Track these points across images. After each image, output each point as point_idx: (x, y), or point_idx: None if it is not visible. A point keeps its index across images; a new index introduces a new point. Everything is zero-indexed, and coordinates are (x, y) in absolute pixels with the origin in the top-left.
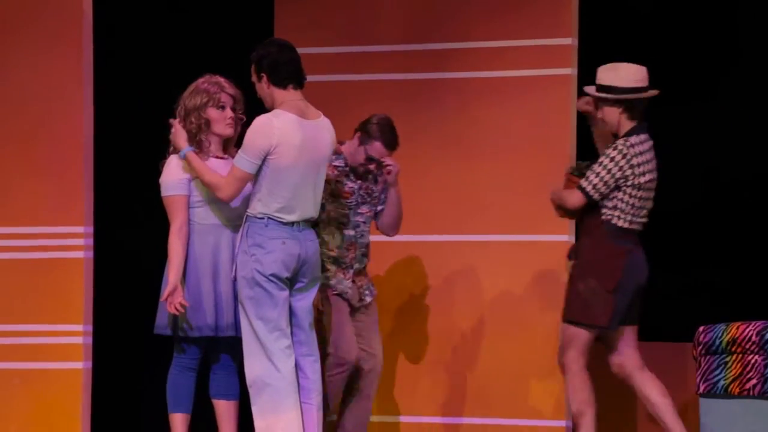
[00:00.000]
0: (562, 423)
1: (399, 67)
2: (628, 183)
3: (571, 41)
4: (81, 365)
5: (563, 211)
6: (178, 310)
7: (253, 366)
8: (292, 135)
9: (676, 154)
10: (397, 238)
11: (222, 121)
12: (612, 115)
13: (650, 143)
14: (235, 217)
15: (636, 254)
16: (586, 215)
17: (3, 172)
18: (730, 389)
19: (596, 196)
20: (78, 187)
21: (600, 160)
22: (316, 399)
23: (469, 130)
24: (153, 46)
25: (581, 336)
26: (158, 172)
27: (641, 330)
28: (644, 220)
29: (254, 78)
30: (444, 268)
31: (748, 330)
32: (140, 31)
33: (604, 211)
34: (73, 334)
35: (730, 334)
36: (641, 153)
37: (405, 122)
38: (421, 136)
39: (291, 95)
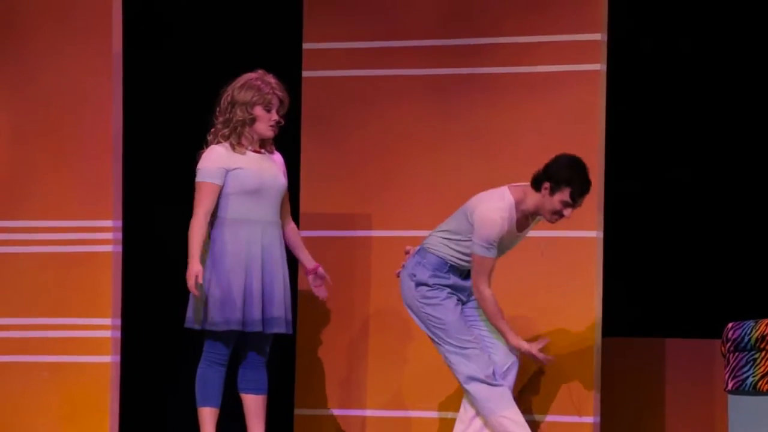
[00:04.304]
0: (590, 419)
1: (428, 62)
2: None
3: (600, 36)
4: (109, 359)
5: None
6: (195, 292)
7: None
8: None
9: (701, 149)
10: (425, 233)
11: (266, 122)
12: None
13: None
14: (269, 215)
15: None
16: None
17: (32, 166)
18: (758, 386)
19: None
20: (107, 181)
21: None
22: None
23: (497, 126)
24: (181, 36)
25: None
26: (187, 166)
27: (671, 326)
28: None
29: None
30: None
31: None
32: (168, 21)
33: None
34: (101, 328)
35: (759, 331)
36: None
37: (433, 117)
38: (449, 132)
39: None
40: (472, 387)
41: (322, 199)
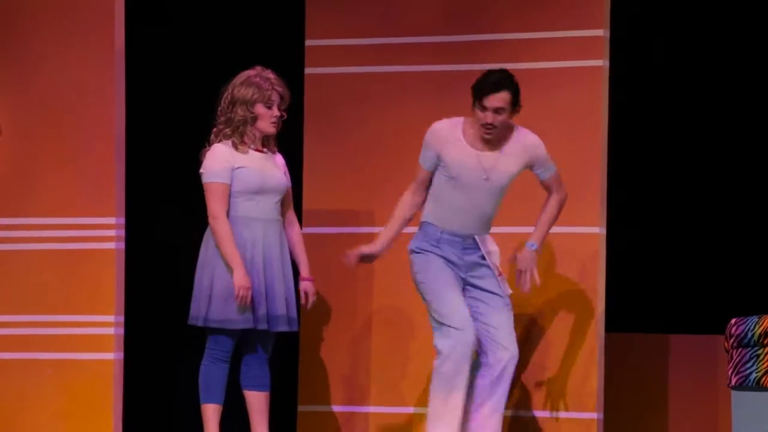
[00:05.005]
0: (594, 415)
1: (430, 59)
2: None
3: (603, 32)
4: (113, 356)
5: None
6: (246, 302)
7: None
8: None
9: (705, 145)
10: None
11: (267, 119)
12: None
13: None
14: (271, 213)
15: None
16: None
17: (35, 164)
18: (762, 382)
19: None
20: (110, 178)
21: None
22: None
23: None
24: (184, 33)
25: None
26: (190, 162)
27: (674, 322)
28: None
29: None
30: None
31: None
32: (171, 19)
33: None
34: (104, 325)
35: (762, 327)
36: None
37: (435, 114)
38: None
39: None
40: (440, 343)
41: (324, 196)
